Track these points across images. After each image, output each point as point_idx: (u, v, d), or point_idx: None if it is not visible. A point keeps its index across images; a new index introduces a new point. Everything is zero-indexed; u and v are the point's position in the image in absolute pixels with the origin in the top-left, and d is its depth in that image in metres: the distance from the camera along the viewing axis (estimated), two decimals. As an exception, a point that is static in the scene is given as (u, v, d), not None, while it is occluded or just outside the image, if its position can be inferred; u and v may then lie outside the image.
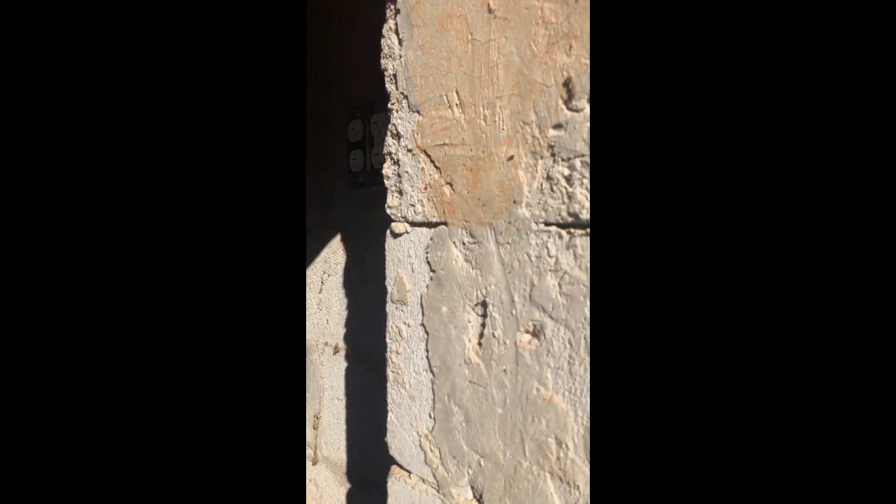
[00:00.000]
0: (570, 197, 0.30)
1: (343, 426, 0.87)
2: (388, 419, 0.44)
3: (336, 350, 0.88)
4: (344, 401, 0.86)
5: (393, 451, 0.44)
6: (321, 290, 0.90)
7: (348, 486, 0.86)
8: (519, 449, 0.34)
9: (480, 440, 0.36)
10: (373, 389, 0.81)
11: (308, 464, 0.95)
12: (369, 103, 0.78)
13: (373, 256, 0.78)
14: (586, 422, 0.30)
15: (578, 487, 0.31)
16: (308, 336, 0.94)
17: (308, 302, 0.94)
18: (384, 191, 0.44)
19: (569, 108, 0.30)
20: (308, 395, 0.94)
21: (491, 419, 0.35)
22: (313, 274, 0.93)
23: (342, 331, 0.86)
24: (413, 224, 0.41)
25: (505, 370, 0.34)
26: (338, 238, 0.87)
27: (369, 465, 0.82)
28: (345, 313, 0.86)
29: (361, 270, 0.82)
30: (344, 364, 0.86)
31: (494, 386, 0.35)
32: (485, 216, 0.35)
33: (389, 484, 0.44)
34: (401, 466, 0.43)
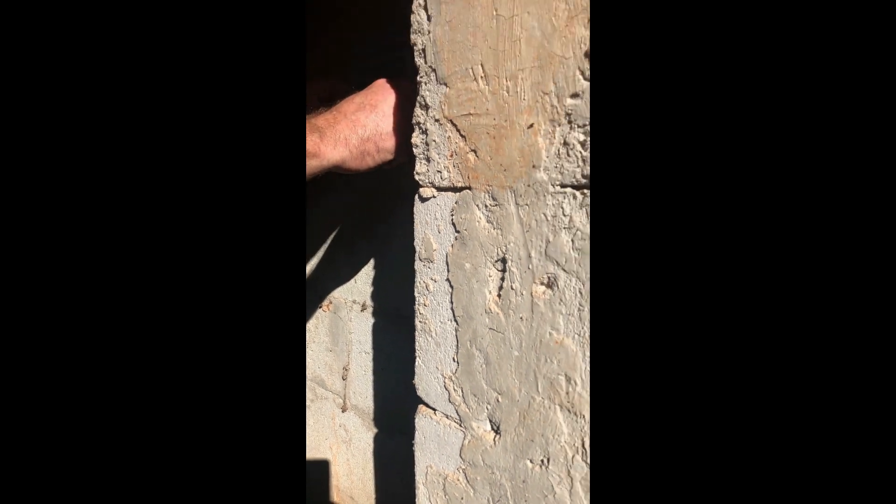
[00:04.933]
0: (585, 161, 0.34)
1: (370, 377, 0.93)
2: (416, 364, 0.49)
3: (364, 307, 0.93)
4: (371, 354, 0.93)
5: (420, 392, 0.49)
6: (350, 253, 0.95)
7: (375, 430, 0.93)
8: (532, 386, 0.38)
9: (498, 380, 0.41)
10: (397, 343, 0.87)
11: (338, 411, 1.03)
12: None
13: (398, 219, 0.82)
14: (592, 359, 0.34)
15: (584, 416, 0.35)
16: (337, 294, 1.00)
17: (338, 262, 0.99)
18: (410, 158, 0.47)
19: (585, 79, 0.33)
20: (337, 349, 1.01)
21: (508, 361, 0.40)
22: (343, 235, 0.98)
23: (369, 289, 0.92)
24: (440, 189, 0.44)
25: (521, 318, 0.39)
26: (365, 201, 0.91)
27: (394, 411, 0.89)
28: (372, 273, 0.91)
29: (387, 233, 0.86)
30: (371, 320, 0.91)
31: (511, 332, 0.39)
32: (506, 180, 0.39)
33: (417, 420, 0.49)
34: (427, 405, 0.49)
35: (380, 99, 0.55)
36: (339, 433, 1.03)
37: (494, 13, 0.37)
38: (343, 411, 1.01)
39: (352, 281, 0.97)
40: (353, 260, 0.96)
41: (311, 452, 1.13)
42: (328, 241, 1.03)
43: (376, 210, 0.88)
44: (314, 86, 0.74)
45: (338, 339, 1.01)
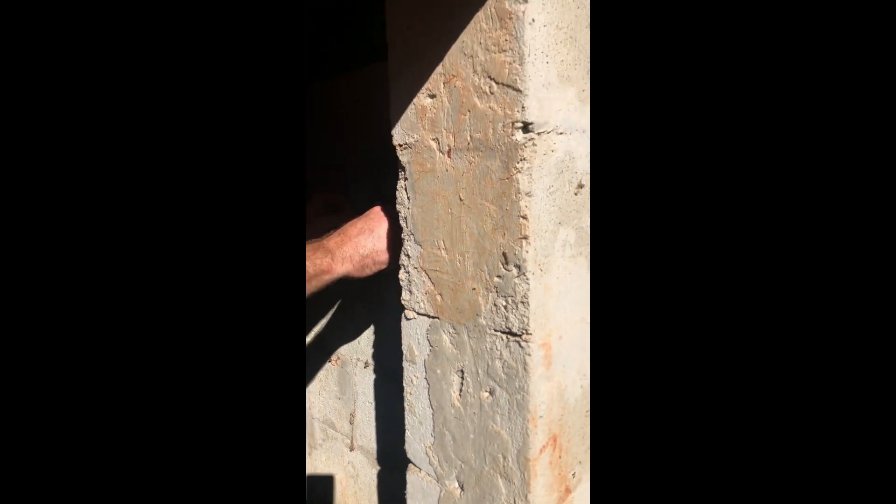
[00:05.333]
0: (506, 318, 0.52)
1: (373, 423, 1.11)
2: (406, 435, 0.67)
3: (366, 364, 1.12)
4: (373, 403, 1.11)
5: (410, 455, 0.67)
6: (353, 317, 1.14)
7: (378, 468, 1.11)
8: (483, 459, 0.56)
9: (461, 452, 0.59)
10: (394, 396, 1.05)
11: (346, 450, 1.20)
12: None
13: (391, 294, 1.01)
14: (518, 445, 0.53)
15: (514, 482, 0.53)
16: (343, 352, 1.18)
17: (344, 324, 1.18)
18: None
19: (505, 269, 0.51)
20: (345, 397, 1.19)
21: (467, 441, 0.58)
22: (346, 304, 1.17)
23: (370, 350, 1.10)
24: (418, 314, 0.63)
25: (474, 413, 0.57)
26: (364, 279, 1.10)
27: (393, 452, 1.07)
28: (372, 337, 1.09)
29: (382, 304, 1.05)
30: (372, 376, 1.10)
31: (468, 421, 0.57)
32: (461, 319, 0.57)
33: (408, 476, 0.67)
34: (414, 465, 0.67)
35: (376, 224, 0.74)
36: (347, 469, 1.20)
37: (450, 212, 0.56)
38: (351, 450, 1.19)
39: (355, 341, 1.15)
40: (356, 324, 1.14)
41: (324, 484, 1.30)
42: (334, 308, 1.22)
43: (373, 286, 1.07)
44: (320, 198, 0.93)
45: (345, 390, 1.19)
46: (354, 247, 0.72)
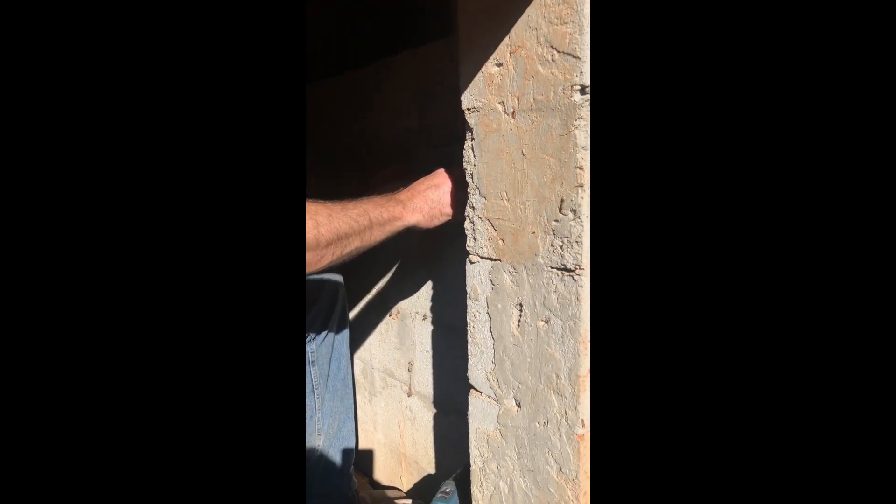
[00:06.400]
0: (562, 256, 0.61)
1: (430, 370, 1.23)
2: (469, 363, 0.78)
3: (424, 317, 1.23)
4: (430, 353, 1.23)
5: (472, 381, 0.78)
6: (413, 275, 1.25)
7: (434, 411, 1.23)
8: (538, 379, 0.66)
9: (518, 375, 0.69)
10: (450, 346, 1.16)
11: (404, 396, 1.33)
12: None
13: (448, 253, 1.11)
14: (570, 364, 0.62)
15: (566, 396, 0.63)
16: (403, 306, 1.30)
17: (405, 281, 1.29)
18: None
19: (562, 214, 0.60)
20: (404, 348, 1.31)
21: (524, 364, 0.68)
22: (407, 263, 1.28)
23: (428, 304, 1.21)
24: (482, 257, 0.72)
25: (531, 339, 0.66)
26: (423, 238, 1.20)
27: (448, 396, 1.18)
28: (430, 292, 1.20)
29: (441, 262, 1.15)
30: (430, 328, 1.21)
31: (525, 347, 0.67)
32: (521, 259, 0.66)
33: (470, 399, 0.78)
34: (475, 389, 0.77)
35: (441, 181, 0.84)
36: (405, 413, 1.34)
37: (513, 166, 0.65)
38: (408, 396, 1.32)
39: (414, 296, 1.27)
40: (416, 281, 1.26)
41: (383, 430, 1.44)
42: (395, 267, 1.34)
43: (432, 245, 1.17)
44: (382, 173, 1.05)
45: (404, 341, 1.31)
46: (423, 199, 0.82)
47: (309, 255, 0.70)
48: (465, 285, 0.77)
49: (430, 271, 1.21)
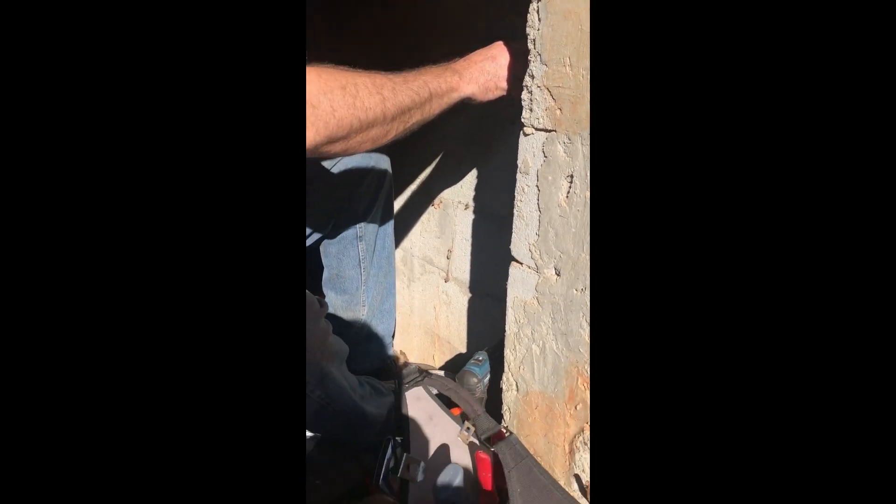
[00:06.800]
0: (621, 123, 0.61)
1: (468, 257, 1.28)
2: (513, 236, 0.81)
3: (466, 206, 1.26)
4: (469, 241, 1.27)
5: (514, 253, 0.81)
6: (458, 164, 1.26)
7: (469, 295, 1.30)
8: (580, 248, 0.69)
9: (561, 244, 0.72)
10: (489, 235, 1.20)
11: (441, 281, 1.41)
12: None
13: (494, 144, 1.11)
14: (614, 234, 0.64)
15: (606, 263, 0.66)
16: (446, 195, 1.33)
17: (448, 171, 1.31)
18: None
19: (626, 77, 0.59)
20: (444, 236, 1.36)
21: (568, 234, 0.70)
22: (453, 151, 1.29)
23: (471, 193, 1.24)
24: (536, 129, 0.73)
25: (578, 210, 0.68)
26: (470, 128, 1.20)
27: (484, 281, 1.24)
28: (474, 181, 1.22)
29: (485, 152, 1.15)
30: (472, 216, 1.24)
31: (572, 217, 0.69)
32: (577, 129, 0.66)
33: (510, 270, 0.82)
34: (517, 260, 0.81)
35: (498, 53, 0.82)
36: (441, 297, 1.41)
37: (580, 28, 0.63)
38: (445, 282, 1.39)
39: (458, 185, 1.29)
40: (460, 170, 1.27)
41: (419, 313, 1.54)
42: (440, 155, 1.34)
43: (478, 135, 1.17)
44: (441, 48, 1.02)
45: (444, 229, 1.36)
46: (480, 70, 0.81)
47: (376, 130, 0.71)
48: (508, 174, 0.79)
49: (475, 160, 1.21)
